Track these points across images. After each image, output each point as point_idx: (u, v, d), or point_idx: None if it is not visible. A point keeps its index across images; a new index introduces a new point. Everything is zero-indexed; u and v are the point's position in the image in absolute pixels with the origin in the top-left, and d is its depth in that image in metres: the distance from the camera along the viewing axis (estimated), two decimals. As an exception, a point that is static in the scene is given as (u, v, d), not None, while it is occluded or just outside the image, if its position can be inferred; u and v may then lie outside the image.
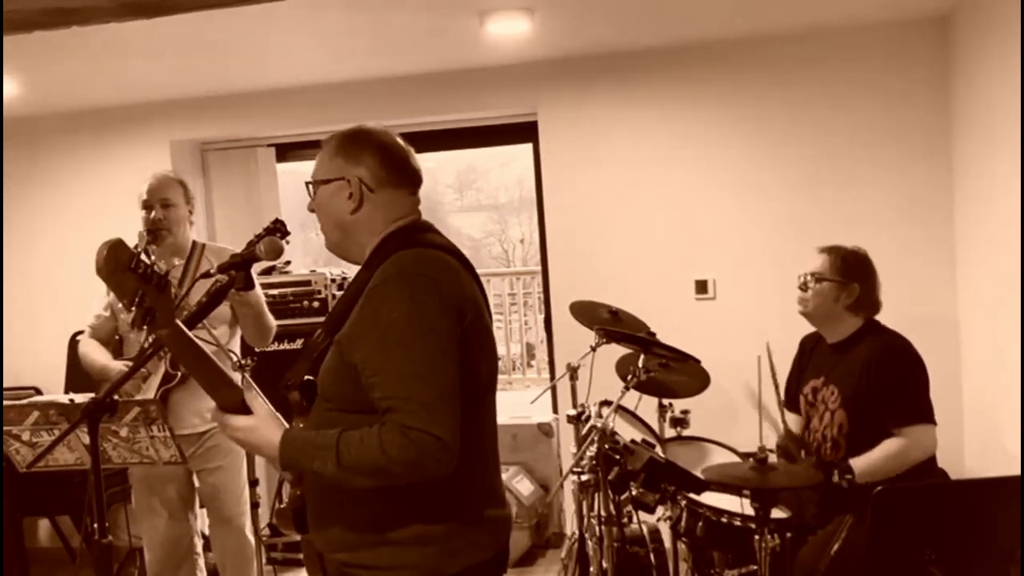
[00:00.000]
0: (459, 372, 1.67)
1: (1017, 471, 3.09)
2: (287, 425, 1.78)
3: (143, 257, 1.67)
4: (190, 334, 1.76)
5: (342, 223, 1.85)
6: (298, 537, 1.94)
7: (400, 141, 1.90)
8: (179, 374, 3.17)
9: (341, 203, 1.83)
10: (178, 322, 1.73)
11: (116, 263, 1.64)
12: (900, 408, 2.86)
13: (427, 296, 1.67)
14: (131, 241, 1.78)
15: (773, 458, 2.69)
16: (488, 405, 1.85)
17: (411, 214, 1.88)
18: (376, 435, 1.61)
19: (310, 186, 1.89)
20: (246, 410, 1.77)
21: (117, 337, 3.35)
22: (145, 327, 1.68)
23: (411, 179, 1.88)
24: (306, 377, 1.82)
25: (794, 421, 3.25)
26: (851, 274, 3.01)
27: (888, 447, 2.83)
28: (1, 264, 4.95)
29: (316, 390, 1.81)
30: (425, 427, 1.59)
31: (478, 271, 1.91)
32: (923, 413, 2.86)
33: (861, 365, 2.92)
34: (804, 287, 3.06)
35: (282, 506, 1.87)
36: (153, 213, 3.24)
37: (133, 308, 1.66)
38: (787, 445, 3.08)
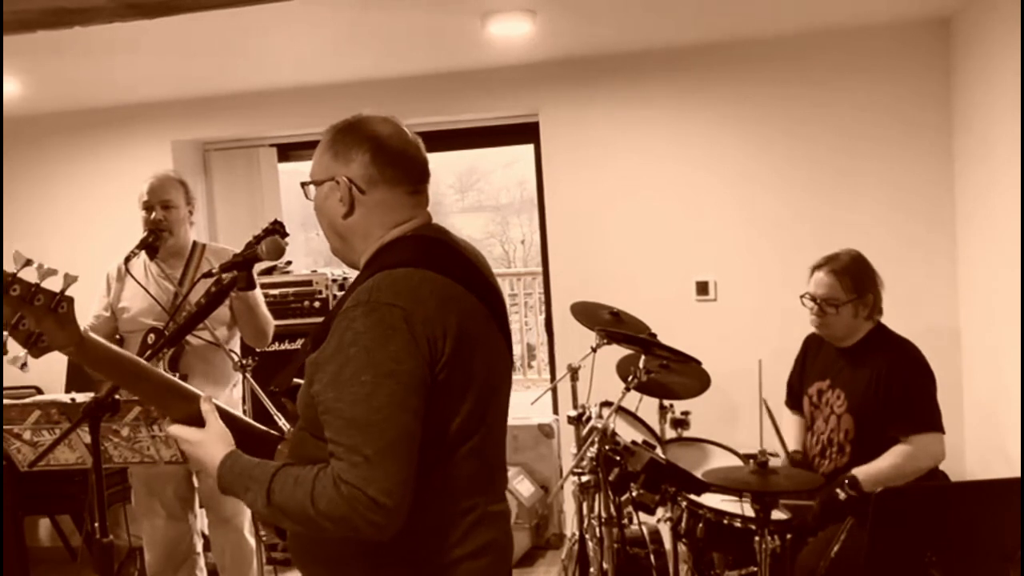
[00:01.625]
0: (422, 421, 1.49)
1: (1018, 474, 3.09)
2: (234, 447, 1.65)
3: (18, 278, 1.57)
4: (110, 347, 1.64)
5: (335, 228, 1.67)
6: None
7: (402, 131, 1.68)
8: (177, 375, 3.18)
9: (334, 206, 1.65)
10: (90, 335, 1.59)
11: None
12: (909, 417, 2.85)
13: (394, 331, 1.47)
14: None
15: (774, 461, 2.68)
16: (475, 448, 1.60)
17: (413, 216, 1.67)
18: (311, 481, 1.46)
19: (306, 187, 1.71)
20: (200, 423, 1.66)
21: (118, 337, 3.36)
22: (32, 350, 1.55)
23: (409, 175, 1.66)
24: (295, 380, 1.69)
25: (796, 423, 3.25)
26: (863, 287, 2.98)
27: (895, 456, 2.82)
28: (1, 263, 4.94)
29: None
30: (360, 484, 1.42)
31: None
32: (932, 422, 2.86)
33: (871, 373, 2.91)
34: (821, 312, 3.00)
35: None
36: (154, 214, 3.25)
37: (10, 332, 1.54)
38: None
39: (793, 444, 3.19)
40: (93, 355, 1.62)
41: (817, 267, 3.05)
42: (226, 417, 1.71)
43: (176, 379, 1.71)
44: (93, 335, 1.62)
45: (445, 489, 1.58)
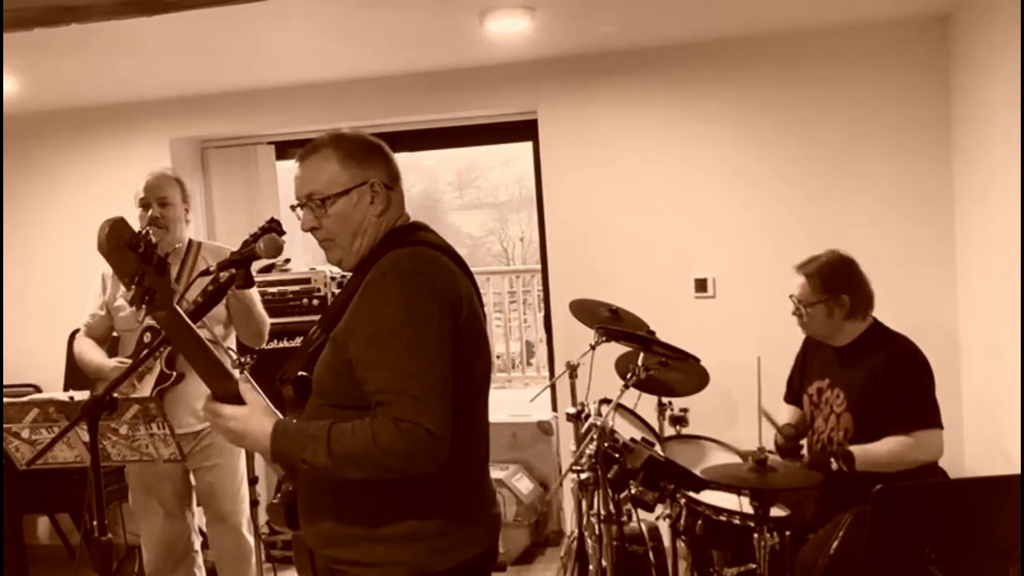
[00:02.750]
0: (453, 369, 1.69)
1: (1017, 471, 3.09)
2: (280, 417, 1.79)
3: (145, 237, 1.69)
4: (188, 319, 1.75)
5: (364, 227, 1.83)
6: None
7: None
8: (174, 373, 3.18)
9: (364, 208, 1.83)
10: (176, 306, 1.72)
11: (118, 241, 1.65)
12: (908, 414, 2.84)
13: (422, 293, 1.69)
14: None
15: (773, 458, 2.68)
16: (481, 405, 1.85)
17: (403, 211, 1.92)
18: (368, 426, 1.63)
19: (323, 202, 1.81)
20: (240, 401, 1.77)
21: (115, 335, 3.35)
22: (144, 307, 1.68)
23: (398, 173, 1.92)
24: (300, 373, 1.84)
25: (790, 412, 3.25)
26: (835, 288, 2.96)
27: (893, 444, 2.81)
28: (1, 261, 4.94)
29: (310, 386, 1.82)
30: (417, 420, 1.61)
31: (478, 269, 1.91)
32: (930, 418, 2.85)
33: (869, 372, 2.91)
34: (798, 312, 3.04)
35: (274, 501, 1.87)
36: (150, 211, 3.24)
37: (132, 287, 1.66)
38: (788, 444, 3.05)
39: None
40: (174, 320, 1.72)
41: (797, 267, 3.07)
42: None
43: (220, 358, 1.81)
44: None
45: (466, 442, 1.74)
